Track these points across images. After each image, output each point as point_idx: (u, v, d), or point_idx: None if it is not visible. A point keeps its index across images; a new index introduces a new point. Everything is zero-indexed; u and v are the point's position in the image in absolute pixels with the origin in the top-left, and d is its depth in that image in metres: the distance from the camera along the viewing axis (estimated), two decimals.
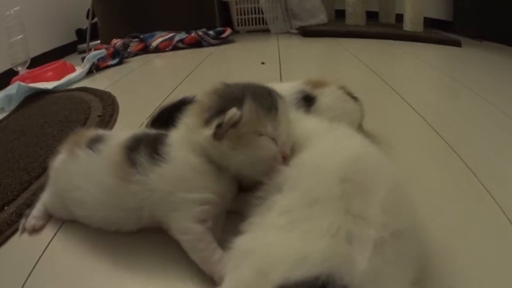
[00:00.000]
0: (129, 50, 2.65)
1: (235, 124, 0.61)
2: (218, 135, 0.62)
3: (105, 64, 2.37)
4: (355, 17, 3.08)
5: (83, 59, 2.32)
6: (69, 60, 2.62)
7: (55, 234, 0.77)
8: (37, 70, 2.21)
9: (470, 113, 1.32)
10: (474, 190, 0.85)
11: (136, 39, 2.81)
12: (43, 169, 1.03)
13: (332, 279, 0.42)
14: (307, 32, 2.95)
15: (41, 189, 0.88)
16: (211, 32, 2.82)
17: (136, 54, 2.69)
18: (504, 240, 0.69)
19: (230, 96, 0.64)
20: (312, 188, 0.53)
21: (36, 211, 0.81)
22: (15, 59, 2.21)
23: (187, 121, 0.67)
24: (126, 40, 2.66)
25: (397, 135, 1.13)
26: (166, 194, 0.63)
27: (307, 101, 0.94)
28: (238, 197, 0.68)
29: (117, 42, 2.55)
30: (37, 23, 2.94)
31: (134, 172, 0.65)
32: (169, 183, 0.63)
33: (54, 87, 1.95)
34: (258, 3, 3.12)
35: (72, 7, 3.37)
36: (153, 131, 0.76)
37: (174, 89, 1.68)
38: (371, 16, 3.26)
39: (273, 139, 0.64)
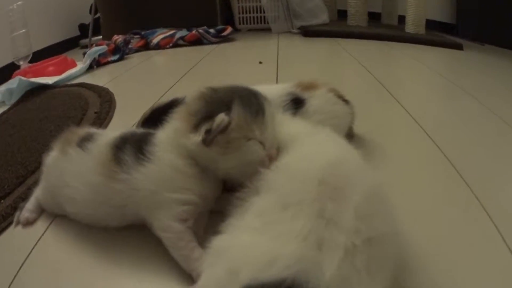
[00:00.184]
0: (130, 46, 2.66)
1: (224, 130, 0.62)
2: (207, 141, 0.62)
3: (105, 60, 2.38)
4: (356, 18, 3.08)
5: (84, 54, 2.34)
6: (72, 54, 2.65)
7: (47, 227, 0.79)
8: (38, 65, 2.23)
9: (467, 118, 1.31)
10: (463, 196, 0.84)
11: (137, 36, 2.83)
12: (39, 164, 1.03)
13: (298, 283, 0.43)
14: (307, 32, 2.95)
15: (36, 183, 0.90)
16: (212, 30, 2.83)
17: (137, 50, 2.71)
18: (490, 247, 0.69)
19: (218, 101, 0.65)
20: (288, 191, 0.54)
21: (30, 204, 0.84)
22: (17, 53, 2.22)
23: (175, 125, 0.67)
24: (127, 36, 2.68)
25: (390, 139, 1.13)
26: (150, 193, 0.65)
27: (296, 103, 0.94)
28: (222, 198, 0.69)
29: (118, 38, 2.56)
30: (40, 17, 2.95)
31: (119, 170, 0.66)
32: (153, 183, 0.65)
33: (55, 82, 1.97)
34: (260, 1, 3.12)
35: (75, 2, 3.38)
36: (140, 131, 0.77)
37: (171, 88, 1.69)
38: (374, 17, 3.26)
39: (261, 143, 0.65)
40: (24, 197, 0.89)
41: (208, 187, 0.67)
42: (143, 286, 0.64)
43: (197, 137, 0.63)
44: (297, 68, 2.03)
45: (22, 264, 0.70)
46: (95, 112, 1.40)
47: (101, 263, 0.68)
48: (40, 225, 0.81)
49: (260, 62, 2.07)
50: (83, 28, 3.34)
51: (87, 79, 2.07)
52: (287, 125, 0.71)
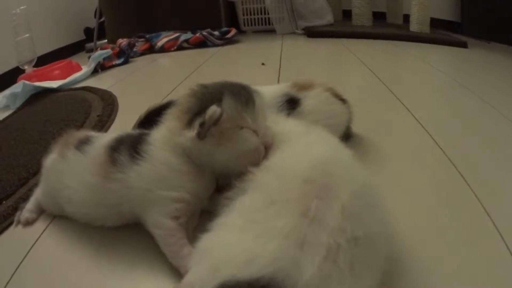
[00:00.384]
0: (135, 49, 2.69)
1: (216, 121, 0.63)
2: (201, 135, 0.64)
3: (110, 64, 2.40)
4: (361, 18, 3.07)
5: (90, 58, 2.36)
6: (77, 58, 2.67)
7: (46, 227, 0.82)
8: (43, 69, 2.26)
9: (470, 118, 1.29)
10: (464, 199, 0.82)
11: (142, 39, 2.85)
12: (41, 166, 1.07)
13: (274, 282, 0.43)
14: (312, 33, 2.95)
15: (36, 184, 0.92)
16: (216, 33, 2.84)
17: (142, 53, 2.73)
18: (491, 250, 0.68)
19: (208, 96, 0.66)
20: (273, 189, 0.54)
21: (30, 205, 0.86)
22: (22, 58, 2.24)
23: (169, 124, 0.68)
24: (131, 39, 2.70)
25: (390, 139, 1.12)
26: (144, 191, 0.66)
27: (292, 104, 0.94)
28: (213, 198, 0.70)
29: (122, 41, 2.59)
30: (45, 21, 2.98)
31: (114, 170, 0.68)
32: (147, 181, 0.66)
33: (59, 86, 1.99)
34: (264, 3, 3.12)
35: (81, 5, 3.41)
36: (136, 132, 0.79)
37: (173, 90, 1.70)
38: (379, 16, 3.25)
39: (254, 131, 0.66)
40: (25, 198, 0.91)
41: (201, 186, 0.68)
42: (136, 283, 0.65)
43: (192, 132, 0.64)
44: (299, 69, 2.03)
45: (20, 263, 0.72)
46: (98, 115, 1.42)
47: (97, 263, 0.70)
48: (39, 225, 0.83)
49: (263, 64, 2.07)
50: (88, 31, 3.36)
51: (92, 82, 2.10)
52: (279, 125, 0.71)
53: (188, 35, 2.81)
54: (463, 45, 2.49)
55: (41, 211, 0.86)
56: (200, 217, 0.72)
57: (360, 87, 1.67)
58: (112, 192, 0.68)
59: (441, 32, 2.84)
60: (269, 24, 3.22)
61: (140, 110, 0.98)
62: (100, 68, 2.34)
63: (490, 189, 0.85)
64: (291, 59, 2.25)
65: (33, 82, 2.02)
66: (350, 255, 0.47)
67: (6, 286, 0.66)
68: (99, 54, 2.32)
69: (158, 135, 0.70)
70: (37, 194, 0.87)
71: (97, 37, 3.03)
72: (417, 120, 1.23)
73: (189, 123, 0.65)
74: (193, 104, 0.66)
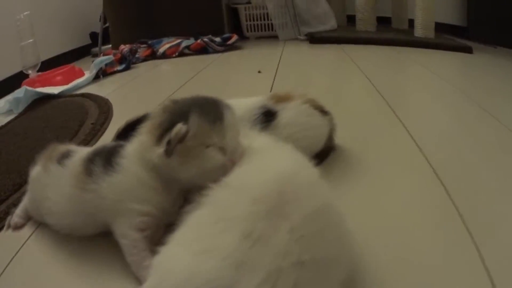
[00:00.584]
0: (137, 55, 2.71)
1: (182, 139, 0.64)
2: (168, 152, 0.64)
3: (112, 70, 2.43)
4: (365, 23, 3.05)
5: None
6: (83, 63, 2.70)
7: (32, 233, 0.85)
8: (47, 74, 2.29)
9: (467, 130, 1.22)
10: (448, 223, 0.76)
11: (144, 45, 2.87)
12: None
13: None
14: (314, 39, 2.94)
15: None
16: (217, 39, 2.85)
17: (144, 59, 2.75)
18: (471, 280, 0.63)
19: (178, 112, 0.67)
20: (223, 206, 0.54)
21: (19, 210, 0.90)
22: (26, 63, 2.27)
23: (141, 139, 0.69)
24: (134, 45, 2.73)
25: (376, 152, 1.09)
26: (114, 202, 0.68)
27: (268, 116, 0.93)
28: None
29: (124, 48, 2.62)
30: (50, 26, 3.03)
31: (89, 181, 0.70)
32: (118, 192, 0.68)
33: (60, 92, 2.03)
34: (267, 9, 3.13)
35: (86, 10, 3.46)
36: (111, 144, 0.81)
37: (167, 97, 1.68)
38: (384, 21, 3.23)
39: (222, 149, 0.66)
40: (17, 203, 0.94)
41: (168, 201, 0.70)
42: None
43: (160, 149, 0.65)
44: (294, 77, 2.02)
45: (6, 267, 0.75)
46: (92, 123, 1.44)
47: (77, 269, 0.73)
48: (26, 231, 0.86)
49: (259, 72, 2.07)
50: (94, 36, 3.40)
51: (93, 88, 2.13)
52: (247, 140, 0.71)
53: (190, 41, 2.83)
54: (468, 50, 2.45)
55: (29, 217, 0.89)
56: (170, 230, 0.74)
57: (356, 96, 1.65)
58: (88, 202, 0.71)
59: (446, 37, 2.81)
60: (272, 30, 3.21)
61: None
62: (102, 74, 2.37)
63: (481, 219, 0.77)
64: (290, 66, 2.24)
65: (36, 87, 2.06)
66: (293, 279, 0.46)
67: None
68: (100, 60, 2.35)
69: (131, 148, 0.72)
70: (25, 201, 0.90)
71: (101, 42, 3.07)
72: (408, 132, 1.19)
73: (159, 139, 0.66)
74: (164, 120, 0.67)
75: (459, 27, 3.07)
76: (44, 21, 2.89)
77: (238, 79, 2.08)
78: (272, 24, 3.20)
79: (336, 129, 1.05)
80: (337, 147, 1.08)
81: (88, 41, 3.47)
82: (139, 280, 0.65)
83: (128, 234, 0.67)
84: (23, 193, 0.99)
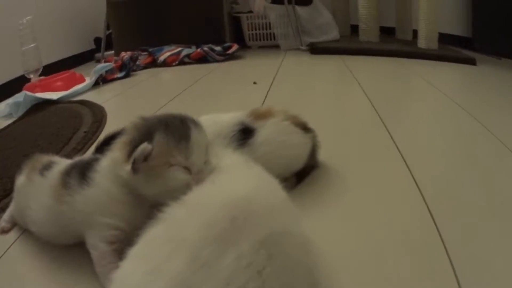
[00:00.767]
0: (138, 63, 2.73)
1: (146, 158, 0.65)
2: (134, 169, 0.65)
3: (112, 77, 2.45)
4: (368, 34, 3.03)
5: None
6: (87, 67, 2.71)
7: (16, 239, 0.87)
8: (47, 79, 2.31)
9: (465, 152, 1.16)
10: (432, 256, 0.71)
11: (145, 53, 2.89)
12: None
13: None
14: (315, 49, 2.92)
15: None
16: (218, 48, 2.85)
17: (145, 67, 2.77)
18: None
19: (145, 130, 0.68)
20: (176, 226, 0.54)
21: (6, 215, 0.93)
22: (27, 67, 2.28)
23: (113, 154, 0.70)
24: (134, 53, 2.75)
25: (363, 171, 1.05)
26: (86, 214, 0.70)
27: (245, 134, 0.91)
28: None
29: (125, 55, 2.63)
30: (54, 30, 3.05)
31: (65, 193, 0.72)
32: (90, 205, 0.70)
33: (59, 98, 2.05)
34: (269, 18, 3.13)
35: (91, 15, 3.48)
36: (88, 157, 0.82)
37: (162, 107, 1.73)
38: (388, 32, 3.22)
39: (186, 168, 0.67)
40: (5, 208, 0.96)
41: (139, 215, 0.69)
42: None
43: (128, 166, 0.66)
44: (289, 90, 2.00)
45: None
46: (84, 132, 1.46)
47: (56, 276, 0.75)
48: (12, 235, 0.89)
49: (255, 83, 2.06)
50: (98, 41, 3.41)
51: (91, 95, 2.14)
52: (217, 159, 0.71)
53: (191, 50, 2.84)
54: (472, 62, 2.42)
55: (15, 223, 0.92)
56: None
57: (350, 112, 1.62)
58: (63, 213, 0.73)
59: (450, 48, 2.78)
60: (274, 39, 3.21)
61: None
62: (102, 81, 2.38)
63: (466, 251, 0.72)
64: (287, 78, 2.23)
65: (37, 92, 2.08)
66: None
67: None
68: (100, 67, 2.37)
69: (105, 163, 0.73)
70: (11, 207, 0.93)
71: (104, 48, 3.09)
72: (399, 151, 1.14)
73: (128, 155, 0.66)
74: (133, 137, 0.68)
75: (464, 38, 3.04)
76: (48, 25, 2.91)
77: (233, 90, 2.07)
78: (274, 33, 3.19)
79: (319, 147, 1.03)
80: (321, 165, 1.06)
81: (92, 46, 3.50)
82: None
83: (98, 246, 0.69)
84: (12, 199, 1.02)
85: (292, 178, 0.98)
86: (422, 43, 2.71)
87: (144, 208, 0.71)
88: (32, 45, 2.26)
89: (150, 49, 2.90)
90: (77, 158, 0.83)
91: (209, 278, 0.46)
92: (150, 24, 3.14)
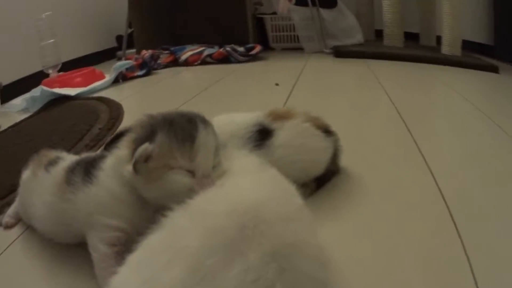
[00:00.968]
0: (159, 61, 2.72)
1: (147, 159, 0.61)
2: (136, 170, 0.62)
3: (132, 74, 2.44)
4: (392, 38, 2.99)
5: None
6: (108, 65, 2.72)
7: (20, 235, 0.86)
8: (67, 75, 2.32)
9: (488, 158, 1.12)
10: (457, 272, 0.66)
11: (167, 51, 2.88)
12: None
13: None
14: (339, 52, 2.88)
15: None
16: (241, 49, 2.82)
17: (166, 66, 2.75)
18: None
19: (149, 129, 0.64)
20: (177, 233, 0.50)
21: (11, 211, 0.91)
22: (46, 63, 2.30)
23: (119, 153, 0.67)
24: (156, 51, 2.73)
25: (386, 178, 1.01)
26: (88, 214, 0.67)
27: (263, 135, 0.87)
28: None
29: (146, 53, 2.62)
30: (75, 27, 3.07)
31: (68, 191, 0.70)
32: (92, 205, 0.67)
33: (77, 94, 2.04)
34: (293, 20, 3.08)
35: (113, 13, 3.50)
36: (94, 155, 0.79)
37: (180, 106, 1.70)
38: (412, 37, 3.17)
39: (190, 171, 0.62)
40: (11, 203, 0.95)
41: (143, 217, 0.66)
42: None
43: (130, 166, 0.62)
44: (312, 93, 1.96)
45: None
46: (99, 128, 1.43)
47: (55, 274, 0.73)
48: (16, 231, 0.88)
49: (277, 84, 2.01)
50: (120, 39, 3.42)
51: (110, 92, 2.13)
52: (228, 161, 0.66)
53: (213, 49, 2.82)
54: (494, 69, 2.39)
55: (19, 218, 0.90)
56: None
57: (374, 117, 1.58)
58: (65, 211, 0.70)
59: (473, 56, 2.74)
60: (298, 41, 3.16)
61: None
62: (122, 78, 2.38)
63: (489, 267, 0.67)
64: (310, 80, 2.19)
65: (55, 87, 2.08)
66: None
67: None
68: (120, 65, 2.36)
69: (110, 161, 0.70)
70: (16, 203, 0.91)
71: (126, 46, 3.09)
72: (424, 157, 1.09)
73: (132, 154, 0.63)
74: (139, 135, 0.64)
75: (486, 45, 2.99)
76: (69, 22, 2.93)
77: (254, 91, 2.04)
78: (298, 35, 3.15)
79: (341, 151, 0.98)
80: (342, 171, 1.01)
81: (114, 44, 3.50)
82: None
83: (98, 248, 0.66)
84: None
85: (312, 183, 0.93)
86: (445, 49, 2.68)
87: (149, 211, 0.67)
88: (51, 40, 2.27)
89: (172, 48, 2.88)
90: (84, 155, 0.80)
91: None
92: (172, 23, 3.13)
